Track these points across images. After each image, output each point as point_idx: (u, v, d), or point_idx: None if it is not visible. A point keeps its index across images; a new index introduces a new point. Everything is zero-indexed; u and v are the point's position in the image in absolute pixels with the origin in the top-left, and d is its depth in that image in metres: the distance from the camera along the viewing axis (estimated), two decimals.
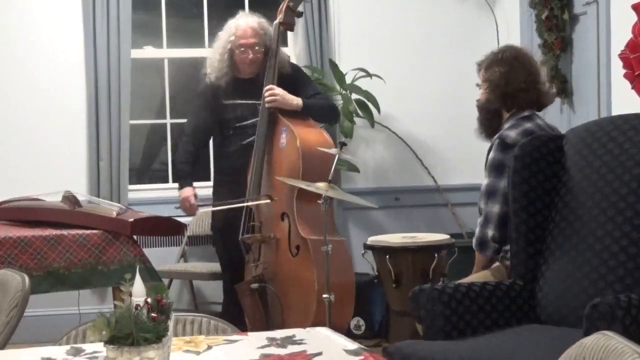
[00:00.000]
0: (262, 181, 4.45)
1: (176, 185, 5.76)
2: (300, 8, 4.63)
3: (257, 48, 4.48)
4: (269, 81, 4.46)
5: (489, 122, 3.69)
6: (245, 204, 4.35)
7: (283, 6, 4.57)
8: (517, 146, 3.32)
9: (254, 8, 5.79)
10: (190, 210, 4.65)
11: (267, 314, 4.36)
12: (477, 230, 3.51)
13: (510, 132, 3.51)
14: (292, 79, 4.57)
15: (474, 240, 3.54)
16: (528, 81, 3.60)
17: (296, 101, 4.45)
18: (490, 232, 3.44)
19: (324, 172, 4.16)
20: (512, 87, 3.59)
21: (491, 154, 3.50)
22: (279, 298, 4.29)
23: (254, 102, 4.49)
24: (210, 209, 4.53)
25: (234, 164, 4.53)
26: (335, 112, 4.78)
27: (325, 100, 4.72)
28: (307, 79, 4.75)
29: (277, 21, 4.57)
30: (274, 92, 4.41)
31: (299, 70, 4.77)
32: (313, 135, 4.38)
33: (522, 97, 3.60)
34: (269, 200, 4.22)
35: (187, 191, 4.60)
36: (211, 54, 4.58)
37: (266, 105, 4.42)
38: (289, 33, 5.87)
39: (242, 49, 4.46)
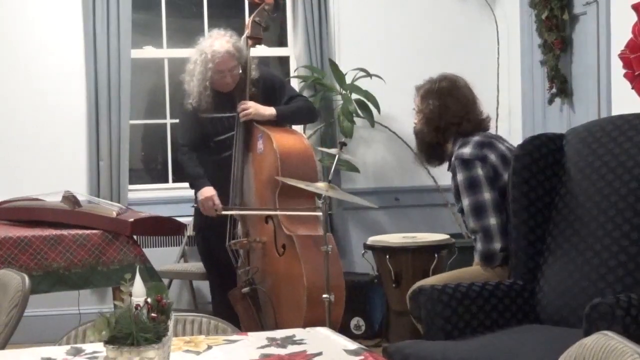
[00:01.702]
0: (244, 188, 4.47)
1: (176, 185, 5.81)
2: (267, 22, 4.64)
3: (234, 71, 4.48)
4: (242, 96, 4.48)
5: (427, 149, 3.78)
6: (275, 212, 4.28)
7: (249, 21, 4.59)
8: (517, 146, 3.34)
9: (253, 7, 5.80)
10: (213, 209, 4.47)
11: (260, 317, 4.37)
12: (480, 246, 3.50)
13: (464, 149, 3.55)
14: (267, 87, 4.60)
15: (478, 256, 3.53)
16: (460, 115, 3.65)
17: (269, 111, 4.48)
18: (497, 245, 3.44)
19: (304, 172, 4.20)
20: (444, 121, 3.66)
21: (458, 177, 3.53)
22: (270, 298, 4.30)
23: (231, 114, 4.51)
24: (237, 212, 4.42)
25: (214, 175, 4.53)
26: (311, 113, 4.78)
27: (302, 103, 4.71)
28: (281, 84, 4.75)
29: (244, 35, 4.60)
30: (247, 107, 4.44)
31: (273, 78, 4.76)
32: (289, 137, 4.43)
33: (454, 130, 3.66)
34: (306, 213, 4.16)
35: (209, 190, 4.48)
36: (188, 78, 4.49)
37: (241, 120, 4.45)
38: (288, 33, 5.87)
39: (221, 74, 4.45)
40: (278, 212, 4.24)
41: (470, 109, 3.70)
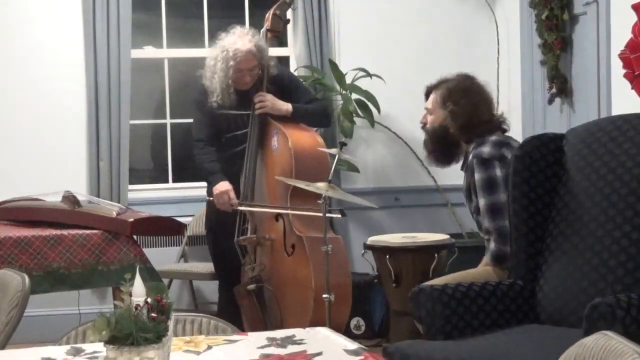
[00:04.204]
0: (255, 184, 4.46)
1: (176, 185, 5.81)
2: (287, 16, 4.63)
3: (254, 71, 4.46)
4: (259, 91, 4.48)
5: (444, 148, 3.75)
6: (291, 212, 4.25)
7: (270, 14, 4.57)
8: (517, 146, 3.34)
9: (253, 8, 5.80)
10: (229, 204, 4.43)
11: (264, 315, 4.37)
12: (493, 247, 3.50)
13: (482, 148, 3.55)
14: (284, 87, 4.58)
15: (489, 255, 3.53)
16: (491, 111, 3.68)
17: (285, 107, 4.47)
18: (509, 247, 3.43)
19: (318, 172, 4.19)
20: (476, 118, 3.63)
21: (476, 176, 3.51)
22: (277, 298, 4.29)
23: (246, 112, 4.50)
24: (253, 209, 4.40)
25: (227, 170, 4.53)
26: (326, 118, 4.77)
27: (318, 105, 4.71)
28: (299, 86, 4.74)
29: (264, 29, 4.58)
30: (264, 99, 4.43)
31: (291, 78, 4.76)
32: (305, 136, 4.40)
33: (482, 129, 3.63)
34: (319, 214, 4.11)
35: (225, 185, 4.44)
36: (209, 74, 4.47)
37: (256, 112, 4.44)
38: (288, 33, 5.87)
39: (240, 72, 4.43)
40: (294, 212, 4.22)
41: (494, 107, 3.73)
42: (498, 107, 5.65)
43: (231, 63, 4.39)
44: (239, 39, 4.44)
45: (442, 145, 3.75)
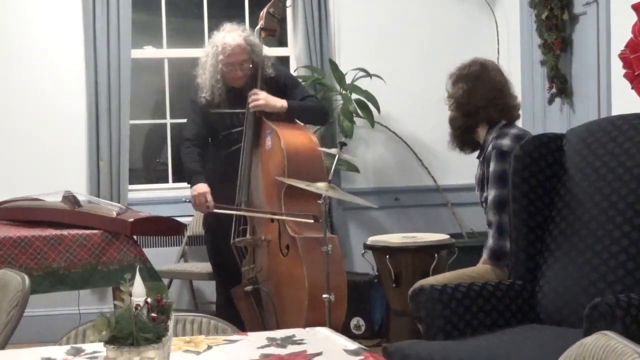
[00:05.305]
0: (251, 184, 4.46)
1: (176, 185, 5.81)
2: (282, 14, 4.62)
3: (244, 65, 4.46)
4: (253, 89, 4.48)
5: (460, 135, 3.78)
6: (272, 216, 4.25)
7: (263, 12, 4.57)
8: (517, 146, 3.33)
9: (253, 7, 5.80)
10: (205, 206, 4.45)
11: (262, 315, 4.37)
12: (492, 242, 3.50)
13: (503, 140, 3.56)
14: (280, 84, 4.58)
15: (487, 252, 3.53)
16: (488, 98, 3.67)
17: (280, 103, 4.46)
18: (508, 243, 3.43)
19: (311, 172, 4.19)
20: (472, 104, 3.67)
21: (492, 167, 3.53)
22: (272, 299, 4.29)
23: (240, 110, 4.49)
24: (230, 212, 4.37)
25: (223, 169, 4.52)
26: (324, 115, 4.77)
27: (314, 101, 4.70)
28: (295, 83, 4.73)
29: (257, 27, 4.59)
30: (258, 97, 4.42)
31: (287, 76, 4.74)
32: (298, 136, 4.39)
33: (482, 113, 3.67)
34: (295, 219, 4.09)
35: (202, 187, 4.45)
36: (201, 71, 4.49)
37: (250, 110, 4.43)
38: (289, 33, 5.87)
39: (231, 67, 4.44)
40: (272, 216, 4.22)
41: (499, 93, 3.71)
42: None
43: (220, 57, 4.40)
44: (228, 34, 4.47)
45: (458, 133, 3.78)
